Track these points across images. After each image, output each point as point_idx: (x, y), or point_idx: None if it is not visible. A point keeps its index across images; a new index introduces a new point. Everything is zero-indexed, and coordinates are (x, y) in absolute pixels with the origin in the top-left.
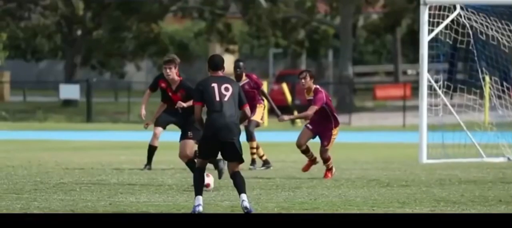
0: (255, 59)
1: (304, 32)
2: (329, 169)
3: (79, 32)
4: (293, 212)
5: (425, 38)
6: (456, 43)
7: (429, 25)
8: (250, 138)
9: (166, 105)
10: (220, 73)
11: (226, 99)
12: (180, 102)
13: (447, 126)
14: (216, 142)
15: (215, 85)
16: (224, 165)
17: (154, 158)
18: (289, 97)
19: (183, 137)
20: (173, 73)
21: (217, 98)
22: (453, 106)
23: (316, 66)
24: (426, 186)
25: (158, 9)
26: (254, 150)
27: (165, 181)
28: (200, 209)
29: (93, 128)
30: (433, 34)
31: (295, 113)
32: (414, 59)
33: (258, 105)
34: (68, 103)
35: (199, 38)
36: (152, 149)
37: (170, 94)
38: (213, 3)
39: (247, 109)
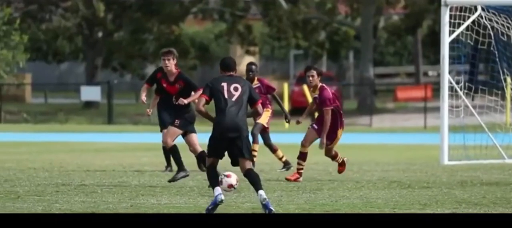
0: (276, 60)
1: (324, 33)
2: (340, 164)
3: (100, 34)
4: (315, 213)
5: (446, 39)
6: (477, 44)
7: (450, 26)
8: (253, 140)
9: (159, 97)
10: (231, 74)
11: (234, 99)
12: (181, 98)
13: (469, 128)
14: (223, 140)
15: (225, 84)
16: (180, 177)
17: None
18: (310, 99)
19: (171, 123)
20: (171, 65)
21: (226, 96)
22: (474, 107)
23: (337, 68)
24: (448, 187)
25: (179, 11)
26: (255, 153)
27: (186, 183)
28: (221, 197)
29: (114, 130)
30: (454, 35)
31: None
32: (435, 60)
33: (265, 109)
34: (89, 105)
35: (219, 39)
36: (166, 151)
37: (164, 85)
38: (233, 4)
39: (259, 106)
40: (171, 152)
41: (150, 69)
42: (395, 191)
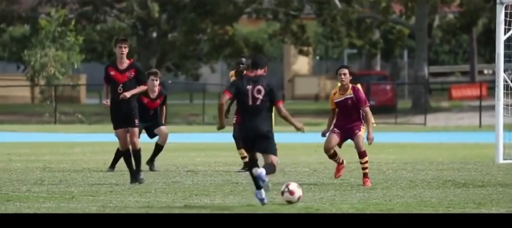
0: (330, 60)
1: (379, 32)
2: (365, 175)
3: (154, 35)
4: (368, 213)
5: (501, 37)
6: None
7: (505, 24)
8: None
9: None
10: (259, 71)
11: (258, 103)
12: (124, 94)
13: None
14: (247, 140)
15: (250, 87)
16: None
17: (229, 160)
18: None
19: (130, 124)
20: (125, 53)
21: (250, 103)
22: None
23: (391, 66)
24: (503, 186)
25: (233, 11)
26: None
27: (240, 182)
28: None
29: (168, 131)
30: (509, 33)
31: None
32: (491, 58)
33: None
34: None
35: (273, 39)
36: (122, 153)
37: (112, 73)
38: (287, 4)
39: (279, 105)
40: (136, 153)
41: (204, 70)
42: (449, 190)
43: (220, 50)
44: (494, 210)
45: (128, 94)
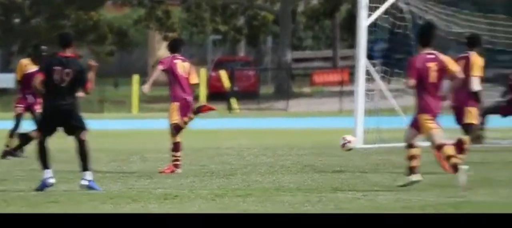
0: (194, 45)
1: (243, 18)
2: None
3: (17, 20)
4: (227, 198)
5: (363, 23)
6: (394, 28)
7: (368, 10)
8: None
9: None
10: (67, 52)
11: (64, 84)
12: None
13: (384, 111)
14: (55, 119)
15: (58, 68)
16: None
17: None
18: (226, 84)
19: None
20: None
21: (56, 83)
22: (390, 90)
23: (255, 52)
24: (361, 171)
25: None
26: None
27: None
28: (52, 181)
29: (28, 117)
30: (371, 19)
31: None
32: (354, 44)
33: None
34: (4, 91)
35: (138, 25)
36: None
37: None
38: None
39: (86, 87)
40: None
41: None
42: (307, 175)
43: (84, 36)
44: (350, 195)
45: None
